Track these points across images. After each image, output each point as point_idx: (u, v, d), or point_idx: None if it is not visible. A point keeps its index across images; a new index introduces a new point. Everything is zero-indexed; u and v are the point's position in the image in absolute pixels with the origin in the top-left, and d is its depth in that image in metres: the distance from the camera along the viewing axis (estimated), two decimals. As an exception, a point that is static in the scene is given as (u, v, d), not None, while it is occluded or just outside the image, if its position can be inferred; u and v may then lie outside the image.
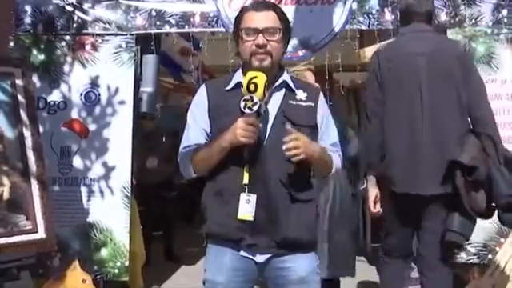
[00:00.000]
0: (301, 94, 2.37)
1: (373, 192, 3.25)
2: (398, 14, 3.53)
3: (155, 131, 6.27)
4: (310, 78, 4.02)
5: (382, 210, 3.28)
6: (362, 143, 3.36)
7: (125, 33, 4.54)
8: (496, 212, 3.08)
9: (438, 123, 3.03)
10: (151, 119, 6.05)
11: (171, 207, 6.65)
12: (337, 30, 4.45)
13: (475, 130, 3.08)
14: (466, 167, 2.94)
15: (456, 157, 2.95)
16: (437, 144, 3.02)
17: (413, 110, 3.07)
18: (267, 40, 2.27)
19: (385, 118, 3.12)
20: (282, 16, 2.34)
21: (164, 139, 6.47)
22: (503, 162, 2.96)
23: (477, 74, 3.19)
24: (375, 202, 3.26)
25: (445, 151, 3.02)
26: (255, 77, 2.19)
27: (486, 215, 3.04)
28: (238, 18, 2.36)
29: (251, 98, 2.16)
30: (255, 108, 2.16)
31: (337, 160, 2.44)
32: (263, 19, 2.29)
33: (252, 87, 2.18)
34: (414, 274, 4.10)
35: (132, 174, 4.54)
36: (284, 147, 2.14)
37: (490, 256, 4.31)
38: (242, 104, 2.16)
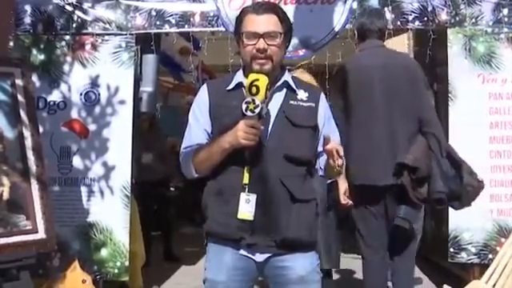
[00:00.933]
0: (302, 94, 2.36)
1: (342, 186, 3.69)
2: (356, 31, 4.00)
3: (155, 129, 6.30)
4: (309, 80, 4.03)
5: (351, 202, 3.72)
6: None
7: (125, 32, 4.53)
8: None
9: (390, 127, 3.57)
10: (152, 118, 6.09)
11: (171, 206, 6.67)
12: (337, 29, 4.45)
13: (422, 130, 3.58)
14: (410, 167, 3.48)
15: (403, 159, 3.49)
16: (389, 146, 3.56)
17: (370, 115, 3.59)
18: (268, 44, 2.25)
19: (347, 122, 3.58)
20: (283, 19, 2.32)
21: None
22: (445, 155, 3.52)
23: (423, 81, 3.68)
24: (345, 194, 3.70)
25: (395, 152, 3.55)
26: (257, 79, 2.18)
27: (429, 202, 3.63)
28: (239, 20, 2.34)
29: (253, 100, 2.16)
30: (257, 111, 2.15)
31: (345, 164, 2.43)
32: (264, 23, 2.27)
33: (254, 90, 2.17)
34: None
35: (132, 173, 4.54)
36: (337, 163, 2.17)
37: (490, 256, 4.31)
38: (244, 106, 2.16)
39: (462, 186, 3.56)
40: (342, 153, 2.18)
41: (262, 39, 2.25)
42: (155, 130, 6.21)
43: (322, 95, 2.44)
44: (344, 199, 3.69)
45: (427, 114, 3.61)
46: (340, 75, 3.76)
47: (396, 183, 3.55)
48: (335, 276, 4.97)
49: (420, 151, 3.52)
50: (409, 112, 3.57)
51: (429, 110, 3.66)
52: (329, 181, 3.72)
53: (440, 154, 3.53)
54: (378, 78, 3.60)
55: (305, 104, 2.34)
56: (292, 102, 2.33)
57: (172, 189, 6.40)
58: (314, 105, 2.36)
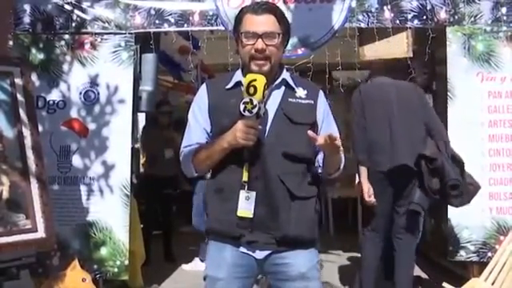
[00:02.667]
0: (300, 92, 2.37)
1: (365, 185, 4.20)
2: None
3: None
4: None
5: (375, 201, 4.19)
6: (353, 148, 4.34)
7: (124, 32, 4.53)
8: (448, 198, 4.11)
9: (405, 126, 4.17)
10: (169, 113, 6.16)
11: (171, 206, 6.67)
12: (336, 28, 4.46)
13: (431, 133, 4.20)
14: (428, 158, 4.04)
15: (422, 151, 4.07)
16: (407, 142, 4.14)
17: (388, 119, 4.21)
18: (266, 45, 2.27)
19: (368, 128, 4.24)
20: (281, 19, 2.33)
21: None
22: (450, 157, 4.07)
23: (428, 100, 4.57)
24: (369, 195, 4.18)
25: (414, 146, 4.12)
26: (254, 79, 2.20)
27: (438, 194, 4.07)
28: (238, 20, 2.36)
29: (251, 100, 2.17)
30: (255, 111, 2.16)
31: (342, 160, 2.44)
32: (263, 23, 2.28)
33: (251, 90, 2.18)
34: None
35: (132, 172, 4.54)
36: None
37: (489, 254, 4.32)
38: (242, 107, 2.17)
39: (464, 184, 4.03)
40: (335, 136, 2.19)
41: (260, 39, 2.26)
42: (172, 126, 6.30)
43: (321, 92, 2.44)
44: (369, 197, 4.16)
45: (434, 122, 4.24)
46: (358, 95, 4.35)
47: (413, 169, 4.08)
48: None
49: (434, 148, 4.09)
50: (419, 119, 4.20)
51: (435, 118, 4.28)
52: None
53: (447, 154, 4.07)
54: (393, 94, 4.25)
55: (303, 101, 2.35)
56: (290, 99, 2.34)
57: (178, 190, 6.42)
58: (312, 102, 2.37)
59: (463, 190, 4.00)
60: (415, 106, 4.25)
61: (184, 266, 5.68)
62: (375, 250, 4.30)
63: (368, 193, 4.18)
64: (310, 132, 2.22)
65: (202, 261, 5.54)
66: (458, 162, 4.07)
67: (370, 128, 4.25)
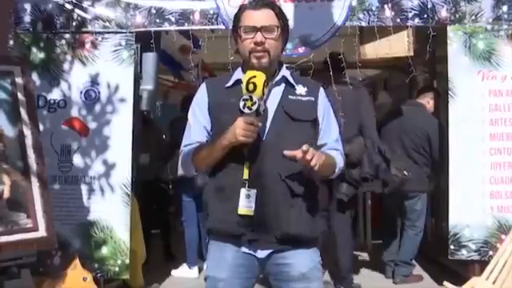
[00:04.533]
0: (301, 89, 2.37)
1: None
2: None
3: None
4: None
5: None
6: None
7: (124, 31, 4.53)
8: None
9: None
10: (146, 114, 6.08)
11: (170, 205, 6.67)
12: (337, 26, 4.44)
13: (363, 132, 4.73)
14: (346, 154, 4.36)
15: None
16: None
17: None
18: (265, 38, 2.28)
19: None
20: (280, 14, 2.35)
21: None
22: (377, 150, 4.69)
23: (367, 101, 5.01)
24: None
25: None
26: (254, 76, 2.20)
27: (359, 183, 4.70)
28: (237, 17, 2.37)
29: (250, 97, 2.17)
30: (254, 107, 2.16)
31: (340, 160, 2.44)
32: (261, 17, 2.30)
33: (251, 87, 2.18)
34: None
35: (132, 171, 4.54)
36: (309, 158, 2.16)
37: (490, 253, 4.31)
38: (242, 104, 2.17)
39: (390, 176, 4.74)
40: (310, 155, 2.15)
41: (259, 32, 2.27)
42: (151, 127, 6.18)
43: (322, 89, 2.44)
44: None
45: (367, 125, 4.77)
46: None
47: None
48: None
49: (357, 145, 4.62)
50: (352, 121, 4.59)
51: (369, 120, 4.82)
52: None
53: (373, 151, 4.68)
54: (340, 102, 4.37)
55: (304, 98, 2.35)
56: (291, 96, 2.34)
57: (170, 186, 6.36)
58: (313, 99, 2.37)
59: (388, 179, 4.74)
60: (349, 108, 4.53)
61: (173, 272, 5.62)
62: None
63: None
64: (286, 152, 2.18)
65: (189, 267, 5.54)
66: (385, 159, 4.71)
67: None
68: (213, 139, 2.33)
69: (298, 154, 2.16)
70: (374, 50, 5.38)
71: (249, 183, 2.24)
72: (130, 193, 4.47)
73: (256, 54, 2.28)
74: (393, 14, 4.43)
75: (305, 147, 2.15)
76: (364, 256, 6.27)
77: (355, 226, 6.83)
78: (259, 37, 2.27)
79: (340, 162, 2.44)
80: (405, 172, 4.81)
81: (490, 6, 4.41)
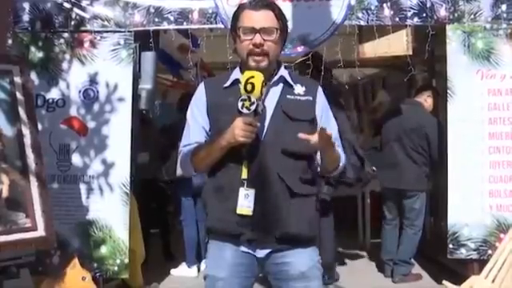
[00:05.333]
0: (299, 89, 2.36)
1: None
2: None
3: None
4: None
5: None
6: None
7: (123, 30, 4.53)
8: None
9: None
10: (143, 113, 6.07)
11: (168, 204, 6.66)
12: (335, 25, 4.44)
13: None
14: None
15: None
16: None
17: None
18: (264, 40, 2.26)
19: None
20: (279, 15, 2.33)
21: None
22: (354, 152, 4.72)
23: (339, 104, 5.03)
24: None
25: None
26: (252, 76, 2.19)
27: (339, 184, 4.82)
28: (236, 16, 2.35)
29: (248, 97, 2.17)
30: (252, 108, 2.16)
31: (342, 156, 2.43)
32: (261, 18, 2.28)
33: (249, 87, 2.18)
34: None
35: (131, 170, 4.53)
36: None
37: (489, 251, 4.32)
38: (240, 104, 2.17)
39: (364, 173, 4.85)
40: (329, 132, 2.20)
41: (258, 34, 2.26)
42: (149, 126, 6.19)
43: (320, 88, 2.44)
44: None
45: (342, 126, 4.86)
46: None
47: None
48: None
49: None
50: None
51: (343, 123, 4.68)
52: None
53: (350, 153, 4.63)
54: None
55: (302, 98, 2.35)
56: (289, 96, 2.34)
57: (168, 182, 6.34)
58: (311, 98, 2.37)
59: (362, 177, 4.91)
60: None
61: (172, 271, 5.62)
62: None
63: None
64: (301, 134, 2.19)
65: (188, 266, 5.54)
66: (360, 158, 4.83)
67: None
68: (211, 139, 2.33)
69: (313, 137, 2.17)
70: (373, 48, 5.39)
71: (247, 183, 2.23)
72: (128, 192, 4.46)
73: (255, 57, 2.27)
74: (392, 13, 4.43)
75: (323, 126, 2.19)
76: (363, 255, 6.28)
77: (354, 225, 6.87)
78: (258, 38, 2.26)
79: (342, 159, 2.43)
80: (373, 168, 5.02)
81: (489, 5, 4.41)
